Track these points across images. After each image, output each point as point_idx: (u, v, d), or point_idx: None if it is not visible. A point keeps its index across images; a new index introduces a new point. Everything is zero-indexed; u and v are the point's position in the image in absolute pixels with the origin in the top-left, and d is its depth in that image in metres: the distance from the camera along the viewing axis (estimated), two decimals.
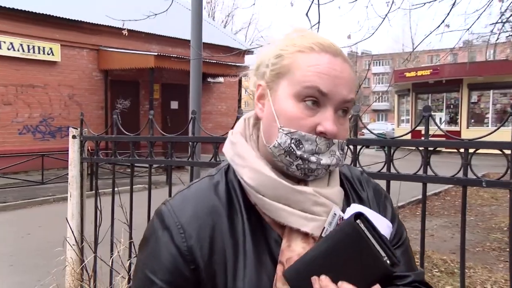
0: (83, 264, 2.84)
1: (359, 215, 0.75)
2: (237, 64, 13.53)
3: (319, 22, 2.84)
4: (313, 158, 0.83)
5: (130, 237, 2.69)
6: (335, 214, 0.85)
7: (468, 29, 5.15)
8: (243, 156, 0.89)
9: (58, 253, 3.13)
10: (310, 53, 0.85)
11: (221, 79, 17.30)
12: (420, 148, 1.98)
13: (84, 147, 3.05)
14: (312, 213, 0.84)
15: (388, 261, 0.71)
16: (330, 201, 0.86)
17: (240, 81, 15.84)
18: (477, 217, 7.55)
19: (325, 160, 0.84)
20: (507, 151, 1.74)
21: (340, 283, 0.74)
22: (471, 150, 1.84)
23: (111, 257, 2.75)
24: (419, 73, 21.40)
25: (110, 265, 2.74)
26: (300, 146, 0.83)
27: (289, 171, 0.85)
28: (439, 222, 7.16)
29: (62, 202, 8.79)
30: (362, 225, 0.73)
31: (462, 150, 1.86)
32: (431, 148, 1.96)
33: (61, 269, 3.06)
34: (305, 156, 0.83)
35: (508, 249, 5.03)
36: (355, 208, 0.85)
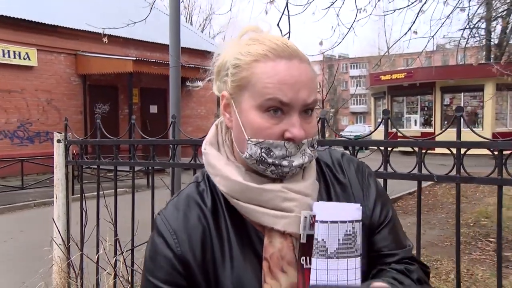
0: (69, 261, 2.97)
1: None
2: None
3: (289, 31, 3.05)
4: (285, 162, 0.86)
5: (116, 235, 2.84)
6: (305, 217, 0.86)
7: (432, 36, 5.47)
8: (213, 165, 0.94)
9: (43, 254, 3.25)
10: (266, 61, 0.86)
11: (199, 83, 17.26)
12: (381, 148, 2.18)
13: (69, 151, 3.19)
14: (282, 210, 0.87)
15: None
16: (301, 195, 0.88)
17: None
18: (447, 214, 7.88)
19: (297, 161, 0.87)
20: (454, 150, 1.96)
21: None
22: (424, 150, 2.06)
23: (97, 254, 2.89)
24: (394, 76, 21.94)
25: (96, 262, 2.88)
26: (271, 153, 0.86)
27: (265, 174, 0.89)
28: (412, 219, 7.45)
29: (43, 206, 8.79)
30: None
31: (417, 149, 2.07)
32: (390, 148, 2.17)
33: (47, 269, 3.18)
34: (276, 162, 0.86)
35: (472, 243, 5.31)
36: (317, 205, 0.88)
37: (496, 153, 1.86)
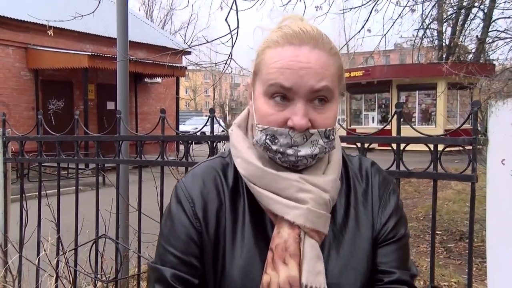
0: (7, 265, 2.82)
1: None
2: (174, 65, 13.49)
3: (238, 27, 3.02)
4: (290, 151, 0.83)
5: (58, 233, 2.72)
6: None
7: (384, 35, 5.60)
8: (236, 146, 0.93)
9: None
10: (275, 48, 0.85)
11: (158, 80, 17.12)
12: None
13: (8, 148, 3.03)
14: (296, 200, 0.84)
15: None
16: (318, 188, 0.85)
17: (178, 81, 15.77)
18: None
19: (304, 151, 0.84)
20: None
21: None
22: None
23: (37, 256, 2.76)
24: (353, 74, 22.35)
25: (37, 264, 2.75)
26: (275, 141, 0.84)
27: (277, 162, 0.87)
28: None
29: None
30: None
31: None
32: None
33: None
34: (281, 150, 0.84)
35: (421, 236, 5.47)
36: None
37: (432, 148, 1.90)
